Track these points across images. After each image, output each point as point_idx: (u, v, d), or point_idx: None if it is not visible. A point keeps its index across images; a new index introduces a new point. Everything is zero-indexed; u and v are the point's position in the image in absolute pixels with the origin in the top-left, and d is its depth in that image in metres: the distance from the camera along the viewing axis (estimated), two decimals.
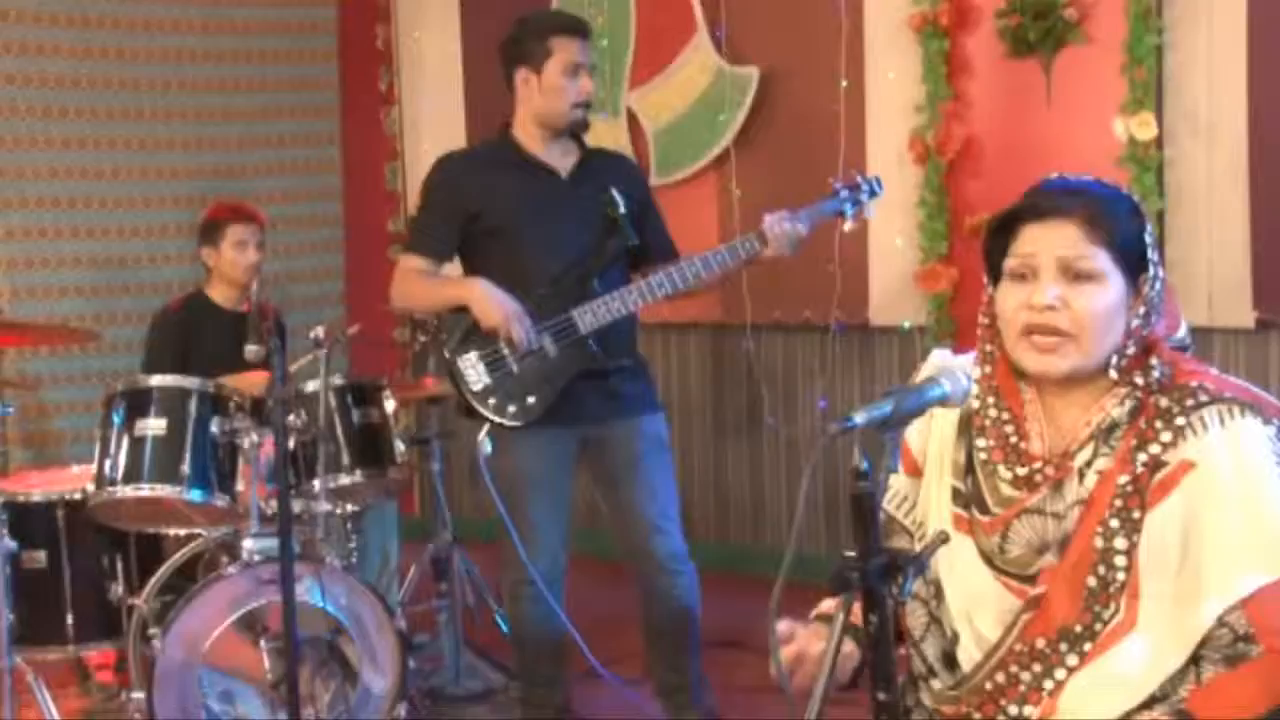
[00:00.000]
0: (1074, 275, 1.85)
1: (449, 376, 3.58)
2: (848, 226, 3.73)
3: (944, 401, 1.80)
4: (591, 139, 3.76)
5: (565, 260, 3.54)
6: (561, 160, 3.64)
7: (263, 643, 3.48)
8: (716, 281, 3.67)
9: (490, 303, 3.48)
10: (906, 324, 4.86)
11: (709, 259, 3.51)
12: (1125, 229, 1.87)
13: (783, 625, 1.91)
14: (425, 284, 3.64)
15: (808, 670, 1.88)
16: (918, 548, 1.96)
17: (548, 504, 3.61)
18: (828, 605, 2.04)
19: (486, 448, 3.53)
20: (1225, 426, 1.81)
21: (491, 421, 3.52)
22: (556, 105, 3.58)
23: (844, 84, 4.87)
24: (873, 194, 3.69)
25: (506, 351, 3.50)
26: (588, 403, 3.56)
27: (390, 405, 4.04)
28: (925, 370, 1.98)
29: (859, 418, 1.67)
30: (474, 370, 3.53)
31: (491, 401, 3.52)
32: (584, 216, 3.57)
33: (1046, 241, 1.87)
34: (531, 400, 3.52)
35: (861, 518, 1.66)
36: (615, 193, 3.56)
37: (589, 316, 3.50)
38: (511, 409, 3.52)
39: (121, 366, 5.27)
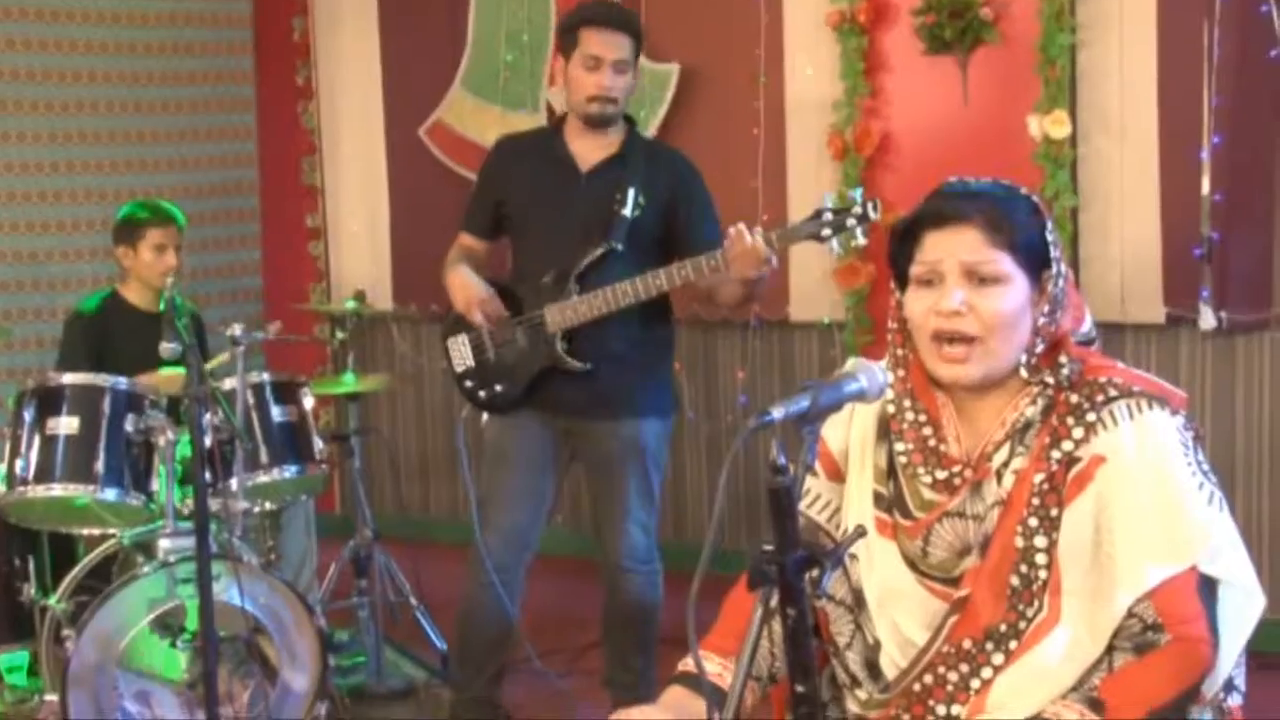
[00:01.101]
0: (978, 279, 1.88)
1: (443, 355, 3.73)
2: (835, 253, 3.49)
3: (861, 396, 1.81)
4: None
5: (562, 254, 3.53)
6: (592, 153, 3.59)
7: (179, 643, 3.45)
8: (714, 296, 3.54)
9: (458, 288, 3.59)
10: (826, 319, 4.90)
11: (673, 272, 3.38)
12: (1025, 229, 1.90)
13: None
14: (448, 262, 3.71)
15: None
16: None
17: (511, 484, 3.65)
18: (688, 664, 2.01)
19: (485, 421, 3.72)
20: (1134, 420, 1.85)
21: (469, 402, 3.69)
22: (574, 97, 3.56)
23: (763, 80, 4.89)
24: (865, 219, 3.22)
25: (486, 338, 3.60)
26: (568, 397, 3.58)
27: (309, 402, 4.01)
28: (852, 367, 1.99)
29: (777, 412, 1.67)
30: (459, 352, 3.67)
31: (469, 384, 3.67)
32: (591, 213, 3.54)
33: (949, 247, 1.89)
34: (499, 388, 3.62)
35: (779, 512, 1.67)
36: (632, 190, 3.51)
37: (558, 316, 3.51)
38: (483, 394, 3.65)
39: (32, 364, 5.18)
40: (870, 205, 3.22)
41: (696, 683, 1.93)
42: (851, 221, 3.22)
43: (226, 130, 6.05)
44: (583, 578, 4.08)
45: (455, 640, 3.88)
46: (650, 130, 5.15)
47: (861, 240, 3.26)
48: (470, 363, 3.65)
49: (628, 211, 3.51)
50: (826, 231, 3.23)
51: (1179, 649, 1.79)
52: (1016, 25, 4.36)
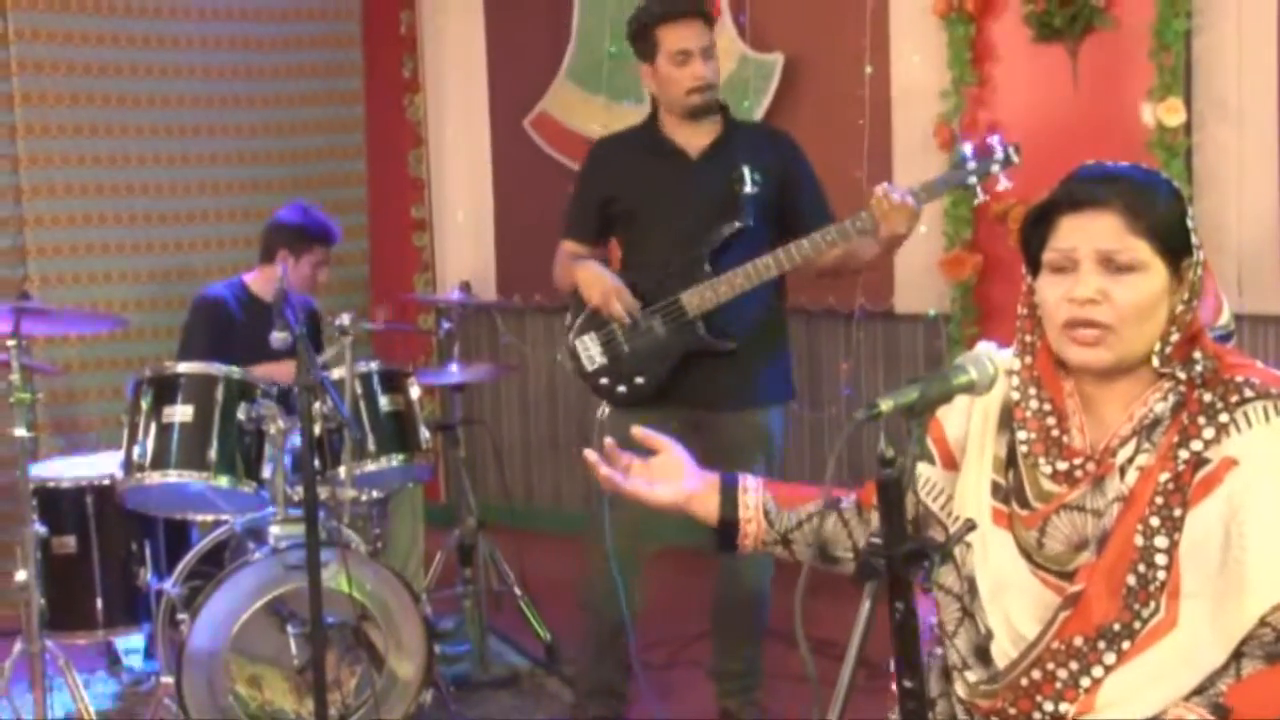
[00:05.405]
0: (1115, 267, 1.81)
1: (569, 357, 3.69)
2: (978, 200, 3.54)
3: (970, 389, 1.78)
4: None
5: (684, 241, 3.55)
6: (697, 140, 3.62)
7: (289, 628, 3.51)
8: (839, 264, 3.58)
9: (592, 282, 3.58)
10: (931, 311, 4.85)
11: (817, 240, 3.43)
12: (1165, 215, 1.82)
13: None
14: (564, 267, 3.74)
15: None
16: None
17: None
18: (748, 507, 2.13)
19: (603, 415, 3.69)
20: (1270, 423, 1.77)
21: (605, 400, 3.65)
22: (672, 94, 3.60)
23: (869, 70, 4.85)
24: (1007, 161, 3.38)
25: (619, 333, 3.58)
26: (694, 388, 3.59)
27: (415, 392, 4.05)
28: (963, 358, 1.95)
29: (884, 404, 1.66)
30: (589, 351, 3.64)
31: (604, 381, 3.64)
32: (709, 197, 3.56)
33: (1085, 233, 1.82)
34: (640, 380, 3.59)
35: (887, 504, 1.65)
36: (746, 170, 3.54)
37: (696, 299, 3.52)
38: (621, 388, 3.62)
39: (149, 352, 5.29)
40: (1011, 148, 3.37)
41: (733, 496, 2.12)
42: (995, 167, 3.37)
43: (334, 123, 6.13)
44: (679, 570, 4.04)
45: (581, 631, 3.87)
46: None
47: (1006, 184, 3.41)
48: (603, 360, 3.62)
49: (749, 189, 3.53)
50: (972, 179, 3.39)
51: None
52: (1129, 11, 4.27)
